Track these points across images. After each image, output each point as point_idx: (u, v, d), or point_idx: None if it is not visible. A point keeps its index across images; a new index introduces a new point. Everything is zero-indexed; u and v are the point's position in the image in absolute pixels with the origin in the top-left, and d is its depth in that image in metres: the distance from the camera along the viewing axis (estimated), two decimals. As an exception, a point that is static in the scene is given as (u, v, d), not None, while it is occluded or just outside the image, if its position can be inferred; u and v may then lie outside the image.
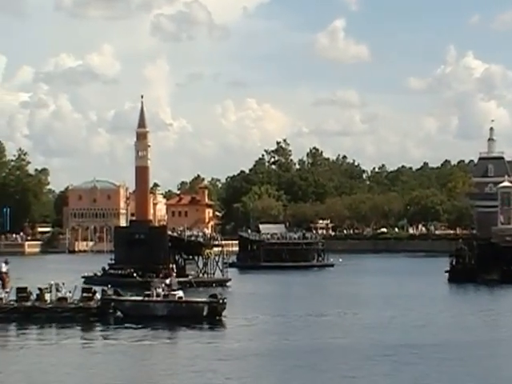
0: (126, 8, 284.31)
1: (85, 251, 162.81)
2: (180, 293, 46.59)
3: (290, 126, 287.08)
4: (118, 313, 45.48)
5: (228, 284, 73.02)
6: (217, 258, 77.21)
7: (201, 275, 74.62)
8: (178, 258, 75.82)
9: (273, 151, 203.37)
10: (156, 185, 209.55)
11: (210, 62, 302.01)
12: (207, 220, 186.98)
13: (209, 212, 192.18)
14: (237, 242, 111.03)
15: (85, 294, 45.46)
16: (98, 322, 43.16)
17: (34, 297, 44.46)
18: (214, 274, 75.83)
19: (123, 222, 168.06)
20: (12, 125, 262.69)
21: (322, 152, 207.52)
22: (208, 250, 76.69)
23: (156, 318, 44.17)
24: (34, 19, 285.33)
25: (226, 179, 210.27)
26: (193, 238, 78.50)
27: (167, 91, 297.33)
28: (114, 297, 46.07)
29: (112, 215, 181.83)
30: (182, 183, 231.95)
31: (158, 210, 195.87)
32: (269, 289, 71.97)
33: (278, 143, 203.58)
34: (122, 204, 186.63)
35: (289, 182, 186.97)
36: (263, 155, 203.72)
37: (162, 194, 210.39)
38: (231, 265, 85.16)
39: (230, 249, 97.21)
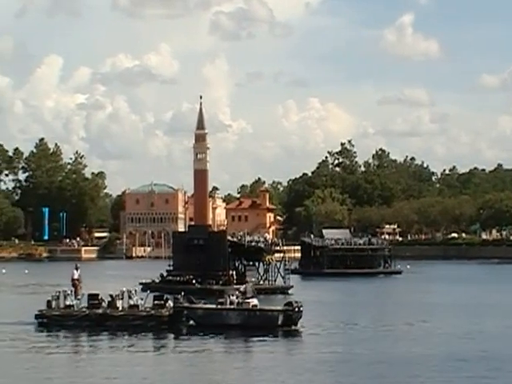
0: (184, 6, 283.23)
1: (142, 257, 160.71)
2: (255, 301, 44.19)
3: (354, 126, 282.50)
4: (191, 321, 43.50)
5: (290, 291, 70.42)
6: (278, 265, 74.79)
7: (261, 282, 71.86)
8: (237, 264, 73.23)
9: (337, 153, 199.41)
10: (215, 188, 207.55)
11: (270, 60, 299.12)
12: (268, 225, 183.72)
13: (270, 216, 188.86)
14: (299, 247, 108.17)
15: (156, 302, 43.63)
16: (169, 330, 41.35)
17: (105, 304, 43.10)
18: (275, 280, 73.23)
19: (181, 227, 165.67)
20: (68, 127, 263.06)
21: (388, 153, 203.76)
22: (269, 256, 74.08)
23: (229, 326, 42.03)
24: (91, 19, 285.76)
25: (288, 182, 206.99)
26: (253, 244, 75.58)
27: (226, 91, 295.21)
28: (186, 305, 44.01)
29: (170, 220, 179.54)
30: (242, 186, 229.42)
31: (218, 215, 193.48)
32: (333, 297, 69.15)
33: (342, 144, 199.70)
34: (181, 208, 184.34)
35: (354, 185, 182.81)
36: (327, 157, 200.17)
37: (221, 197, 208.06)
38: (293, 271, 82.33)
39: (292, 255, 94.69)
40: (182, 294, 45.77)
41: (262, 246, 75.44)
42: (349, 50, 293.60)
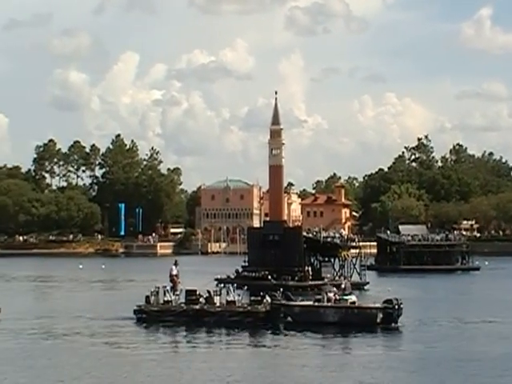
0: (259, 2, 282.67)
1: (217, 253, 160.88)
2: (353, 297, 43.60)
3: (431, 121, 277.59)
4: (288, 318, 43.09)
5: (366, 287, 69.62)
6: (354, 261, 73.97)
7: (337, 278, 70.73)
8: (313, 260, 72.49)
9: (413, 148, 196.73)
10: (290, 184, 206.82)
11: (346, 55, 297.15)
12: (344, 220, 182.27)
13: (345, 212, 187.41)
14: (375, 243, 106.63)
15: (253, 298, 43.45)
16: (266, 327, 40.88)
17: (203, 300, 42.98)
18: (350, 276, 72.05)
19: (256, 223, 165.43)
20: (144, 123, 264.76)
21: (466, 148, 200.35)
22: (345, 252, 73.31)
23: (327, 324, 41.32)
24: (167, 16, 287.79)
25: (364, 178, 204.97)
26: (329, 240, 74.78)
27: (302, 87, 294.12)
28: (283, 301, 43.67)
29: (245, 215, 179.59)
30: (318, 182, 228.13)
31: (293, 210, 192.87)
32: (410, 293, 67.76)
33: (419, 139, 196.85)
34: (256, 204, 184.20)
35: (430, 181, 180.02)
36: (403, 152, 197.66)
37: (296, 193, 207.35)
38: (369, 267, 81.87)
39: (368, 251, 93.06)
40: (281, 290, 45.46)
41: (338, 241, 74.68)
42: (426, 45, 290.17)
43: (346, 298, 42.78)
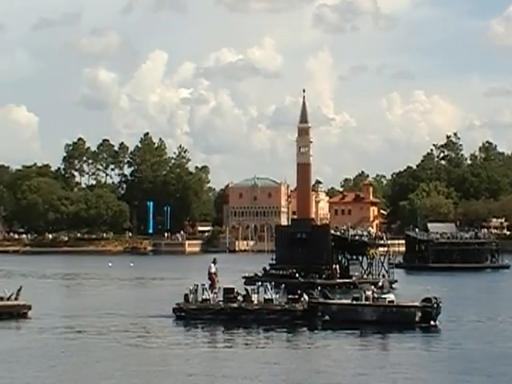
0: (287, 0, 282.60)
1: (245, 250, 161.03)
2: (391, 296, 43.08)
3: (460, 118, 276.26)
4: (326, 316, 42.76)
5: (394, 285, 68.77)
6: (382, 259, 73.45)
7: (365, 276, 70.65)
8: (341, 258, 72.25)
9: (442, 146, 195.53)
10: (318, 182, 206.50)
11: (374, 53, 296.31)
12: (372, 218, 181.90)
13: (373, 210, 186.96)
14: (403, 241, 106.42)
15: (290, 296, 43.38)
16: (304, 325, 40.73)
17: (241, 298, 43.01)
18: (378, 274, 71.71)
19: (284, 221, 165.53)
20: (172, 122, 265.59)
21: (495, 146, 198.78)
22: (373, 250, 72.82)
23: (364, 322, 41.02)
24: (195, 14, 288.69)
25: (392, 175, 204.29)
26: (357, 238, 74.47)
27: (330, 85, 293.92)
28: (320, 300, 43.60)
29: (273, 213, 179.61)
30: (346, 180, 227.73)
31: (321, 208, 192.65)
32: (440, 291, 67.18)
33: (447, 137, 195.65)
34: (283, 202, 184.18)
35: (459, 179, 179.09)
36: (432, 150, 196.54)
37: (324, 191, 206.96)
38: (397, 265, 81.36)
39: (396, 249, 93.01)
40: (319, 288, 45.32)
41: (366, 239, 74.41)
42: (454, 42, 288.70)
43: (384, 296, 42.36)
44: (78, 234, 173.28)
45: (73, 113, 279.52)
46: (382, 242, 76.40)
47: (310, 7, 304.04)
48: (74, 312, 47.16)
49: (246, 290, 43.36)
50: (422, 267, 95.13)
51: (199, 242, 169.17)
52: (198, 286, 43.38)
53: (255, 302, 42.48)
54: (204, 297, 42.83)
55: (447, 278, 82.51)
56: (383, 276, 45.06)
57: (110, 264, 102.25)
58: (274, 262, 73.65)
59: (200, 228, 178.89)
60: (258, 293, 42.81)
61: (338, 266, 68.68)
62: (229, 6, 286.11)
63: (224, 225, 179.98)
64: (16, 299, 42.94)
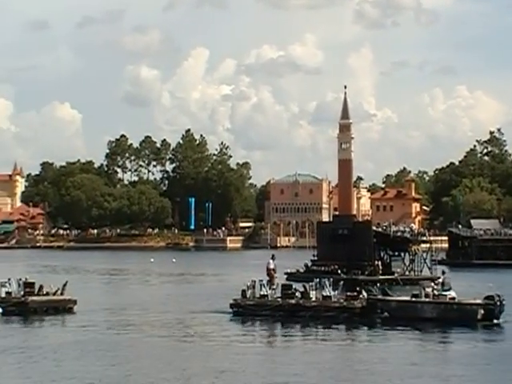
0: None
1: (287, 247, 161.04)
2: (452, 293, 42.01)
3: (504, 113, 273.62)
4: (385, 313, 42.23)
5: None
6: (424, 255, 72.48)
7: (407, 272, 70.23)
8: (383, 255, 71.82)
9: (485, 141, 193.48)
10: (360, 178, 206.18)
11: (416, 48, 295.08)
12: (414, 215, 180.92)
13: (416, 206, 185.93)
14: (446, 238, 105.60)
15: (349, 293, 42.82)
16: (362, 322, 40.14)
17: (298, 294, 42.57)
18: (421, 271, 71.27)
19: (326, 217, 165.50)
20: (214, 118, 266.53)
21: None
22: (415, 247, 72.22)
23: (424, 320, 40.31)
24: (236, 11, 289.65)
25: (434, 172, 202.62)
26: (399, 234, 74.03)
27: (371, 81, 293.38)
28: (379, 297, 42.99)
29: (314, 210, 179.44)
30: (387, 176, 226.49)
31: (362, 205, 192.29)
32: (484, 288, 66.52)
33: (491, 133, 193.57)
34: (325, 198, 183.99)
35: (503, 175, 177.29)
36: (475, 146, 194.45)
37: (365, 187, 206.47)
38: (440, 262, 79.95)
39: (439, 245, 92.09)
40: (377, 285, 45.14)
41: (408, 236, 73.92)
42: (497, 36, 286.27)
43: (445, 293, 41.44)
44: (121, 230, 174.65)
45: (115, 110, 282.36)
46: (424, 238, 75.91)
47: (351, 3, 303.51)
48: (119, 307, 47.44)
49: (304, 286, 42.83)
50: (465, 264, 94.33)
51: (241, 238, 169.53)
52: (255, 281, 42.96)
53: (313, 298, 41.95)
54: (262, 293, 42.37)
55: (491, 275, 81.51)
56: (443, 273, 44.15)
57: (151, 260, 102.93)
58: (316, 258, 73.59)
59: (241, 224, 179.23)
60: (316, 289, 42.31)
61: (380, 263, 68.44)
62: (270, 2, 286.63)
63: (265, 221, 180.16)
64: (62, 294, 43.23)
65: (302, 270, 70.66)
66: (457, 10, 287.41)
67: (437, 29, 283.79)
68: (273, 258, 45.55)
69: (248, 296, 42.58)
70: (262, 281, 42.91)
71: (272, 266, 44.77)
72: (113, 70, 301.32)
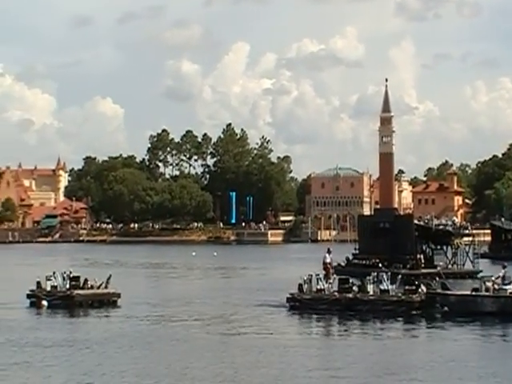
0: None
1: (327, 240, 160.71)
2: None
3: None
4: (445, 308, 41.84)
5: (479, 276, 67.88)
6: (467, 249, 71.83)
7: (450, 266, 69.75)
8: (425, 248, 71.41)
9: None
10: (401, 171, 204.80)
11: (458, 41, 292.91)
12: (456, 208, 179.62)
13: (458, 199, 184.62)
14: (489, 231, 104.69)
15: (407, 287, 42.42)
16: (421, 316, 39.85)
17: (356, 288, 42.38)
18: (463, 265, 70.73)
19: (367, 211, 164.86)
20: (255, 112, 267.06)
21: None
22: (457, 240, 71.56)
23: (484, 314, 39.91)
24: (277, 5, 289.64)
25: (477, 164, 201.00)
26: (441, 227, 73.60)
27: (412, 73, 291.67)
28: (438, 291, 42.61)
29: (355, 203, 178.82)
30: (429, 169, 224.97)
31: (404, 198, 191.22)
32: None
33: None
34: (366, 192, 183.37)
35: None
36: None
37: (407, 180, 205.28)
38: (483, 255, 79.95)
39: (482, 238, 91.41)
40: (437, 279, 44.37)
41: (450, 229, 73.49)
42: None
43: (505, 287, 40.84)
44: (163, 224, 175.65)
45: (157, 104, 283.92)
46: (466, 231, 75.34)
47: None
48: (163, 300, 47.80)
49: (361, 280, 42.69)
50: (508, 257, 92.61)
51: (281, 231, 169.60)
52: (312, 275, 42.77)
53: (371, 292, 41.59)
54: (318, 287, 42.12)
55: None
56: (504, 267, 43.69)
57: (193, 253, 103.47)
58: (357, 251, 73.50)
59: (282, 218, 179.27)
60: (373, 283, 41.92)
61: (422, 256, 68.01)
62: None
63: (306, 215, 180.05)
64: (106, 287, 43.80)
65: (343, 264, 70.68)
66: (499, 1, 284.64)
67: (479, 20, 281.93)
68: (329, 251, 45.44)
69: (305, 290, 42.34)
70: (318, 275, 42.74)
71: (328, 260, 44.80)
72: (154, 64, 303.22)
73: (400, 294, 41.53)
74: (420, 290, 41.65)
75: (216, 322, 38.75)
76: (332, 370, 26.68)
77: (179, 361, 28.28)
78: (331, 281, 43.03)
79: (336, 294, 42.09)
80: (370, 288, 41.76)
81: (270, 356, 29.13)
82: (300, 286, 42.57)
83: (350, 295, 41.68)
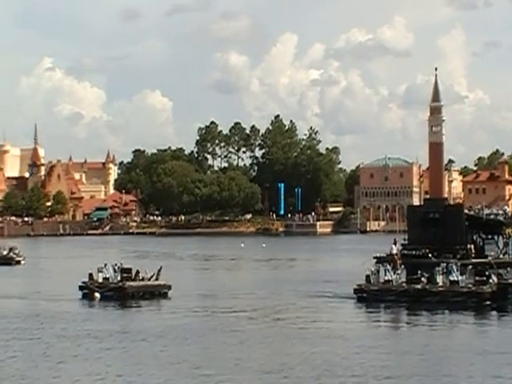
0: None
1: (376, 231, 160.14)
2: None
3: None
4: None
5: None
6: (518, 238, 71.46)
7: (501, 256, 68.97)
8: (476, 238, 70.76)
9: None
10: (451, 161, 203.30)
11: (509, 28, 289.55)
12: (507, 197, 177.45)
13: (509, 189, 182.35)
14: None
15: (477, 278, 41.66)
16: (492, 308, 39.19)
17: (424, 279, 41.91)
18: (515, 255, 69.97)
19: (416, 201, 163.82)
20: (303, 103, 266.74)
21: None
22: (509, 230, 71.12)
23: None
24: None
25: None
26: (492, 217, 72.96)
27: (462, 62, 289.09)
28: (511, 281, 41.92)
29: (404, 194, 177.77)
30: (480, 159, 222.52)
31: (454, 188, 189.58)
32: None
33: None
34: (415, 182, 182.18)
35: None
36: None
37: (457, 170, 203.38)
38: (535, 245, 78.72)
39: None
40: (508, 269, 44.20)
41: (502, 219, 72.91)
42: None
43: None
44: (211, 216, 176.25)
45: (205, 97, 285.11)
46: (518, 221, 74.77)
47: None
48: (213, 292, 48.01)
49: (432, 271, 42.00)
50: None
51: (330, 222, 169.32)
52: (380, 266, 42.53)
53: (440, 283, 41.09)
54: (386, 278, 41.77)
55: None
56: None
57: (242, 245, 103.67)
58: (406, 242, 73.06)
59: (331, 209, 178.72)
60: (443, 274, 41.43)
61: (472, 246, 67.57)
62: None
63: (355, 205, 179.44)
64: (157, 279, 44.07)
65: (391, 255, 70.34)
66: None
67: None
68: (395, 242, 45.38)
69: (372, 281, 42.03)
70: (386, 266, 42.46)
71: (395, 251, 44.73)
72: (202, 57, 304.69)
73: (470, 285, 40.85)
74: (491, 280, 40.81)
75: (271, 313, 38.65)
76: (401, 361, 26.61)
77: (238, 352, 28.26)
78: (399, 272, 42.71)
79: (404, 285, 41.62)
80: (440, 279, 41.20)
81: (342, 347, 28.94)
82: (367, 277, 42.24)
83: (419, 286, 41.13)
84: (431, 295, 40.60)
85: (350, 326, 34.64)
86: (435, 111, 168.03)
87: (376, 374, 24.35)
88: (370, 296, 41.55)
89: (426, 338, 31.64)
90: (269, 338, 31.15)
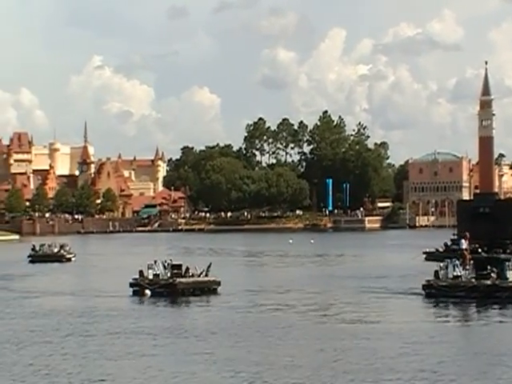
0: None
1: (426, 226, 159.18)
2: None
3: None
4: None
5: None
6: None
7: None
8: (528, 233, 69.86)
9: None
10: (501, 155, 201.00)
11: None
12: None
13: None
14: None
15: None
16: None
17: (494, 275, 41.48)
18: None
19: (466, 196, 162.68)
20: (351, 99, 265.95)
21: None
22: (561, 224, 69.91)
23: None
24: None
25: None
26: (544, 211, 71.79)
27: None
28: None
29: (454, 188, 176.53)
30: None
31: (504, 182, 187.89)
32: None
33: None
34: (465, 176, 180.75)
35: None
36: None
37: (507, 164, 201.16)
38: None
39: None
40: None
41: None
42: None
43: None
44: (260, 212, 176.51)
45: (253, 93, 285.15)
46: None
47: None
48: (263, 288, 48.06)
49: (502, 267, 41.44)
50: None
51: (379, 218, 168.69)
52: (448, 262, 42.06)
53: (510, 279, 40.39)
54: (455, 273, 41.33)
55: None
56: None
57: (290, 241, 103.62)
58: (456, 237, 72.56)
59: (379, 204, 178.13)
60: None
61: (524, 241, 66.98)
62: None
63: (404, 201, 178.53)
64: (206, 275, 44.29)
65: (441, 250, 69.89)
66: None
67: None
68: (465, 237, 44.86)
69: (441, 277, 41.68)
70: (455, 261, 42.02)
71: (464, 246, 44.20)
72: (250, 53, 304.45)
73: None
74: None
75: (325, 309, 38.62)
76: (472, 360, 26.37)
77: (293, 349, 28.19)
78: (468, 267, 42.19)
79: (473, 280, 41.15)
80: (510, 274, 40.60)
81: (412, 344, 28.64)
82: (436, 272, 41.92)
83: (489, 282, 40.67)
84: (501, 291, 40.01)
85: (418, 323, 34.29)
86: (485, 105, 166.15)
87: (446, 372, 24.18)
88: (438, 292, 41.18)
89: (497, 333, 31.49)
90: (329, 335, 31.06)
